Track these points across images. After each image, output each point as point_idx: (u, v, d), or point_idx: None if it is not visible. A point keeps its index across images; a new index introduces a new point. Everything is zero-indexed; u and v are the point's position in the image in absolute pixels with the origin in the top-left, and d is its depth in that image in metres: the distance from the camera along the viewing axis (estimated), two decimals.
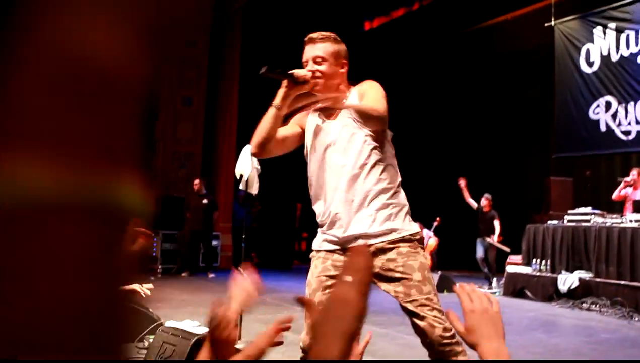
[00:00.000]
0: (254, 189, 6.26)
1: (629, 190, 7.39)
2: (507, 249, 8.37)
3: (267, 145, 2.19)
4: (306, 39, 2.24)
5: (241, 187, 6.56)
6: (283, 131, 2.25)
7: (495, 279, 8.16)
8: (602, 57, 9.10)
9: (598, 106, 9.09)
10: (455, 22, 11.38)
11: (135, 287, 2.14)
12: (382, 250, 2.05)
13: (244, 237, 6.03)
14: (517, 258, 7.96)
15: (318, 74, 2.13)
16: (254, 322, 4.76)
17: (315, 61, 2.16)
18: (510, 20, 11.03)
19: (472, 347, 1.08)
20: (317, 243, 2.23)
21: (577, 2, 9.58)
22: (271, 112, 2.16)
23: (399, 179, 2.21)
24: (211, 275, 8.94)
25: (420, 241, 2.15)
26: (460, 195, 8.54)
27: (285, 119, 2.24)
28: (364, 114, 2.06)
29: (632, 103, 8.61)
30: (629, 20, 8.75)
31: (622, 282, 6.44)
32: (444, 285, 8.07)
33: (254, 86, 11.67)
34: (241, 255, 6.04)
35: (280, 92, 2.13)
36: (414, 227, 2.15)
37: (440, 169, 11.96)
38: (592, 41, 9.25)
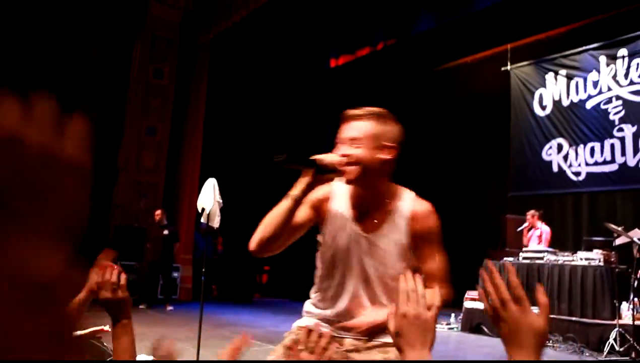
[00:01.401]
0: (216, 223, 6.27)
1: (531, 231, 8.19)
2: None
3: (273, 242, 1.74)
4: (343, 114, 1.85)
5: (202, 220, 6.56)
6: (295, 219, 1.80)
7: (453, 315, 8.29)
8: (554, 101, 9.58)
9: (551, 148, 9.53)
10: (417, 62, 11.79)
11: (94, 328, 2.15)
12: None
13: (203, 270, 6.00)
14: (475, 293, 8.12)
15: (349, 158, 1.71)
16: (213, 356, 4.72)
17: (349, 142, 1.74)
18: (469, 63, 11.51)
19: (397, 349, 1.04)
20: None
21: (531, 49, 10.10)
22: (287, 204, 1.71)
23: None
24: (170, 308, 8.77)
25: None
26: None
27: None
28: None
29: (582, 145, 9.06)
30: (577, 68, 9.28)
31: (573, 318, 6.67)
32: None
33: (219, 119, 11.76)
34: (201, 287, 5.99)
35: (302, 182, 1.71)
36: None
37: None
38: (545, 86, 9.75)
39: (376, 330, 1.67)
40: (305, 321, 1.90)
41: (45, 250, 0.34)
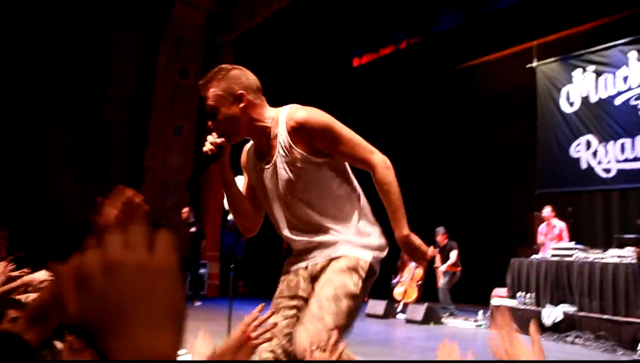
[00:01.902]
0: None
1: (544, 229, 8.16)
2: (456, 271, 8.90)
3: (246, 221, 2.05)
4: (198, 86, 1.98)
5: (230, 217, 6.64)
6: (244, 189, 2.09)
7: (481, 311, 8.23)
8: (582, 98, 9.47)
9: (579, 145, 9.41)
10: (441, 60, 11.74)
11: None
12: None
13: (232, 266, 6.06)
14: (502, 291, 8.07)
15: (219, 128, 1.88)
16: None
17: (210, 115, 1.90)
18: (494, 61, 11.43)
19: None
20: None
21: (557, 45, 10.00)
22: (225, 193, 2.03)
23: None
24: (198, 303, 8.88)
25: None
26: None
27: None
28: (396, 187, 1.92)
29: (612, 142, 8.93)
30: (606, 64, 9.15)
31: (605, 316, 6.57)
32: (430, 317, 8.13)
33: None
34: (229, 283, 6.05)
35: (220, 175, 1.97)
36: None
37: (426, 204, 12.14)
38: (572, 82, 9.63)
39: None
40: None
41: (158, 334, 0.46)
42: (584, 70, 9.45)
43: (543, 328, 7.00)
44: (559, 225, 8.06)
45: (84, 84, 10.17)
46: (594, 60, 9.34)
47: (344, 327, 1.79)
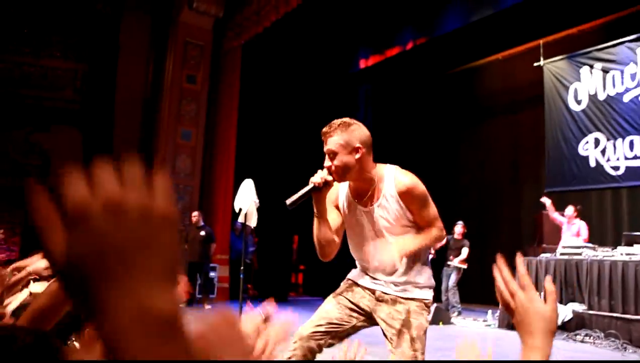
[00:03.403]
0: (253, 222, 6.40)
1: (563, 220, 8.08)
2: (464, 266, 9.01)
3: (328, 248, 2.41)
4: (321, 133, 2.37)
5: (240, 220, 6.70)
6: (331, 222, 2.43)
7: (490, 311, 8.22)
8: (589, 95, 9.42)
9: (587, 143, 9.37)
10: (447, 61, 11.75)
11: None
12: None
13: (242, 268, 6.12)
14: None
15: (333, 168, 2.27)
16: None
17: (329, 156, 2.30)
18: (500, 60, 11.42)
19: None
20: None
21: (564, 43, 9.97)
22: (316, 223, 2.36)
23: None
24: (208, 307, 8.95)
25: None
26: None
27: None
28: (430, 245, 2.38)
29: (620, 139, 8.88)
30: (613, 61, 9.10)
31: (615, 314, 6.54)
32: (439, 317, 8.14)
33: (252, 121, 11.92)
34: (239, 286, 6.11)
35: (315, 202, 2.31)
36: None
37: (434, 202, 12.14)
38: (579, 80, 9.59)
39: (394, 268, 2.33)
40: (353, 272, 2.55)
41: (158, 290, 0.41)
42: (592, 68, 9.41)
43: None
44: (579, 224, 7.99)
45: (93, 89, 10.31)
46: (602, 58, 9.29)
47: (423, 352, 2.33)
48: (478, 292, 9.40)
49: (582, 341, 6.55)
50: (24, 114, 9.93)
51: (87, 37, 10.39)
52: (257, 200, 6.59)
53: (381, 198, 2.34)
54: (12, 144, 9.88)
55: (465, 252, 8.99)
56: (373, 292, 2.43)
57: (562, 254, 7.50)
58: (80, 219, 0.41)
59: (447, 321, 8.22)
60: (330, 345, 2.40)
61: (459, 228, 9.08)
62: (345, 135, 2.27)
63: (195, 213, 9.29)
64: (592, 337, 6.49)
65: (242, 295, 6.09)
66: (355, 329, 2.43)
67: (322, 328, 2.38)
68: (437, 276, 8.86)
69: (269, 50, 11.48)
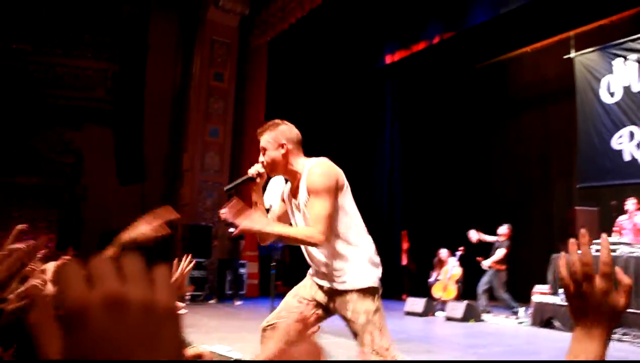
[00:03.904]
0: None
1: (624, 218, 7.73)
2: (499, 268, 8.56)
3: (264, 237, 2.60)
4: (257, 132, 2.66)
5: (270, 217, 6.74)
6: (279, 212, 2.73)
7: (523, 308, 8.12)
8: (623, 88, 9.20)
9: (621, 136, 9.16)
10: (475, 54, 11.61)
11: (202, 351, 2.36)
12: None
13: (274, 264, 6.17)
14: (544, 287, 7.94)
15: (264, 163, 2.56)
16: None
17: (262, 152, 2.59)
18: (529, 53, 11.23)
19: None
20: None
21: (596, 35, 9.75)
22: (254, 208, 2.60)
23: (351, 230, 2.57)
24: (238, 303, 9.04)
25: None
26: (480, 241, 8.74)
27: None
28: (297, 241, 2.47)
29: None
30: None
31: None
32: (471, 314, 8.08)
33: (279, 117, 11.97)
34: (269, 283, 6.15)
35: (255, 191, 2.60)
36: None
37: (464, 198, 12.04)
38: (612, 72, 9.38)
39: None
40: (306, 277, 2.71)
41: None
42: (625, 60, 9.19)
43: None
44: (638, 219, 7.62)
45: (124, 88, 10.48)
46: (636, 49, 9.06)
47: (385, 329, 2.50)
48: (509, 289, 9.28)
49: (619, 340, 6.42)
50: (57, 114, 10.15)
51: (117, 38, 10.56)
52: None
53: (300, 190, 2.53)
54: (46, 143, 10.11)
55: (500, 252, 8.57)
56: (321, 287, 2.61)
57: (596, 251, 7.33)
58: (78, 318, 0.39)
59: (478, 318, 8.15)
60: None
61: (502, 229, 8.72)
62: (273, 134, 2.55)
63: (224, 211, 9.38)
64: (630, 335, 6.37)
65: (273, 291, 6.14)
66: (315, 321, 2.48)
67: (282, 319, 2.52)
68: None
69: (294, 47, 11.50)
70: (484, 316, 8.37)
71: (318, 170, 2.46)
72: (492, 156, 12.28)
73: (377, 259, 2.58)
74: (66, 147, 10.28)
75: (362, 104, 12.75)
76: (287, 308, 2.60)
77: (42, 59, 10.16)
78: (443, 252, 9.70)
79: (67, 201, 10.28)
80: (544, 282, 7.94)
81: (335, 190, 2.44)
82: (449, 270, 9.32)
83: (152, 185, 10.26)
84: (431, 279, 9.71)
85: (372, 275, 2.51)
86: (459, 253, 9.34)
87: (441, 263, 9.63)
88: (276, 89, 11.44)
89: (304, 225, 2.51)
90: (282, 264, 11.08)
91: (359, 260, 2.51)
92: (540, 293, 7.84)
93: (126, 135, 10.15)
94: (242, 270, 9.77)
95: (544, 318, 7.52)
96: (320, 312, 2.54)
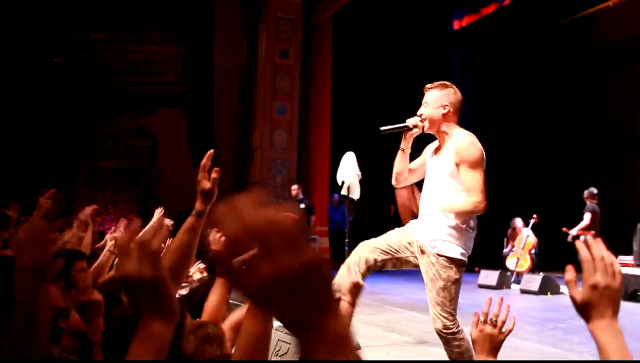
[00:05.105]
0: (356, 194, 6.46)
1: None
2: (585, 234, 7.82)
3: (399, 177, 3.00)
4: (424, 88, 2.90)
5: (343, 192, 6.79)
6: (414, 164, 3.00)
7: None
8: None
9: None
10: (549, 14, 10.94)
11: None
12: None
13: (347, 240, 6.21)
14: (628, 259, 7.53)
15: (423, 117, 2.82)
16: (357, 322, 4.91)
17: (423, 105, 2.84)
18: (611, 7, 10.44)
19: (584, 318, 1.06)
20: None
21: None
22: (399, 154, 2.95)
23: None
24: None
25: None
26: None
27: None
28: (468, 213, 2.72)
29: None
30: None
31: None
32: (547, 287, 7.82)
33: (346, 93, 11.89)
34: (344, 257, 6.20)
35: (405, 139, 2.90)
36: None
37: (539, 164, 11.55)
38: None
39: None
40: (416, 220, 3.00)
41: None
42: None
43: None
44: None
45: (193, 70, 10.79)
46: None
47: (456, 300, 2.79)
48: None
49: None
50: (131, 99, 10.62)
51: (184, 21, 10.84)
52: (360, 173, 6.63)
53: (444, 152, 2.79)
54: (123, 128, 10.64)
55: (587, 217, 8.02)
56: (416, 241, 2.86)
57: None
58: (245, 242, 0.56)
59: (555, 291, 7.87)
60: (382, 267, 2.91)
61: (590, 198, 8.21)
62: (439, 93, 2.79)
63: (294, 187, 9.51)
64: None
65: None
66: (404, 263, 2.91)
67: (382, 247, 2.89)
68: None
69: (359, 19, 11.32)
70: (564, 289, 8.07)
71: (473, 140, 2.72)
72: (571, 120, 11.65)
73: (472, 235, 2.80)
74: (141, 131, 10.76)
75: (430, 73, 12.36)
76: (389, 241, 2.92)
77: (118, 47, 10.63)
78: (517, 222, 9.40)
79: (144, 183, 10.80)
80: (628, 252, 7.53)
81: (484, 163, 2.71)
82: (523, 239, 9.02)
83: (223, 164, 10.41)
84: (506, 250, 9.45)
85: (462, 249, 2.75)
86: (532, 221, 9.00)
87: (515, 234, 9.34)
88: (342, 63, 11.34)
89: (438, 181, 2.79)
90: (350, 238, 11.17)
91: (456, 232, 2.74)
92: (624, 265, 7.44)
93: (197, 116, 10.48)
94: (313, 245, 9.93)
95: (629, 292, 7.15)
96: (410, 258, 2.87)
